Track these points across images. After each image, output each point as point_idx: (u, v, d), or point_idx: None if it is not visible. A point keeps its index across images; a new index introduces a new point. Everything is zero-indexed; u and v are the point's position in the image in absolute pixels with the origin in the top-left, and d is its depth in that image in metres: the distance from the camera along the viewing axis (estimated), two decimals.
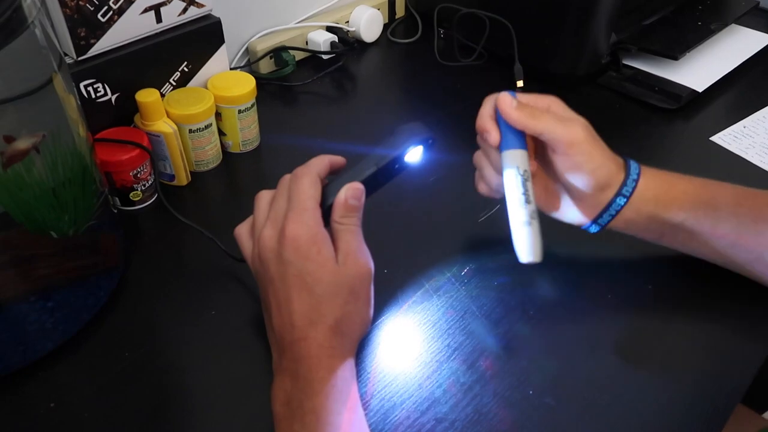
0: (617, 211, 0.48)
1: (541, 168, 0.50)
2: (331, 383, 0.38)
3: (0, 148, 0.39)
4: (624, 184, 0.47)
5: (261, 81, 0.75)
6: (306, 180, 0.43)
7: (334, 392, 0.38)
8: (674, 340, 0.49)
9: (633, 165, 0.48)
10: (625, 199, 0.47)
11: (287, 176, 0.46)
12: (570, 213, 0.50)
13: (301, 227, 0.41)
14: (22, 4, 0.36)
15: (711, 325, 0.50)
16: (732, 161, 0.66)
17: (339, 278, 0.41)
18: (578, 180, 0.47)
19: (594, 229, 0.50)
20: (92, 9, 0.53)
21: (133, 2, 0.55)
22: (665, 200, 0.48)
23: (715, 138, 0.69)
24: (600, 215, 0.48)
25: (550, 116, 0.46)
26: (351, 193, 0.43)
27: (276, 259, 0.41)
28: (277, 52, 0.78)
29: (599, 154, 0.46)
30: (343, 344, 0.41)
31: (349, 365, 0.40)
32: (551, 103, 0.48)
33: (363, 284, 0.43)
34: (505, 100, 0.46)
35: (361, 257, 0.43)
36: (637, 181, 0.47)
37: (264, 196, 0.46)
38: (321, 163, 0.46)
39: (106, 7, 0.53)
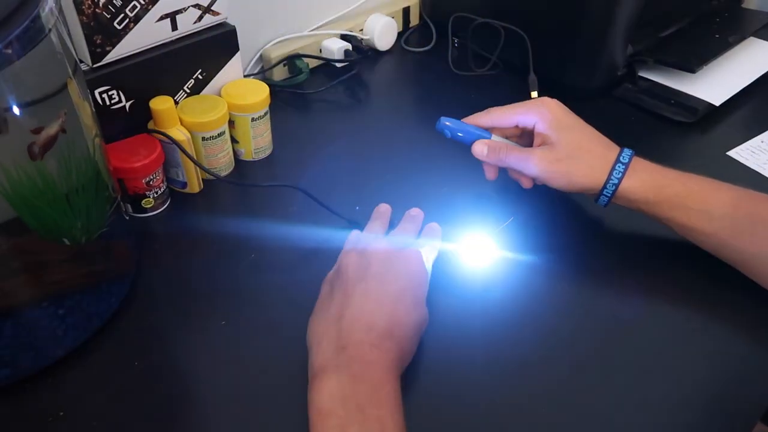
0: (605, 203, 0.53)
1: None
2: (397, 402, 0.39)
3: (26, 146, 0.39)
4: (604, 187, 0.52)
5: (275, 88, 0.75)
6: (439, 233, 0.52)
7: (397, 411, 0.38)
8: (692, 357, 0.48)
9: (618, 168, 0.52)
10: (607, 198, 0.53)
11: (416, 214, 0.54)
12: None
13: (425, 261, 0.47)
14: (41, 13, 0.36)
15: (729, 342, 0.49)
16: (749, 177, 0.65)
17: (423, 314, 0.45)
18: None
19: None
20: (109, 17, 0.53)
21: (149, 10, 0.55)
22: (652, 202, 0.51)
23: (731, 153, 0.68)
24: (596, 200, 0.54)
25: (512, 156, 0.55)
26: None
27: (389, 264, 0.45)
28: (291, 60, 0.78)
29: (566, 176, 0.53)
30: (400, 371, 0.41)
31: (401, 394, 0.40)
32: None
33: (423, 330, 0.45)
34: (476, 149, 0.57)
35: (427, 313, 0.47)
36: (617, 185, 0.52)
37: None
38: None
39: (122, 15, 0.54)
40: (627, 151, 0.53)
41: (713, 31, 0.83)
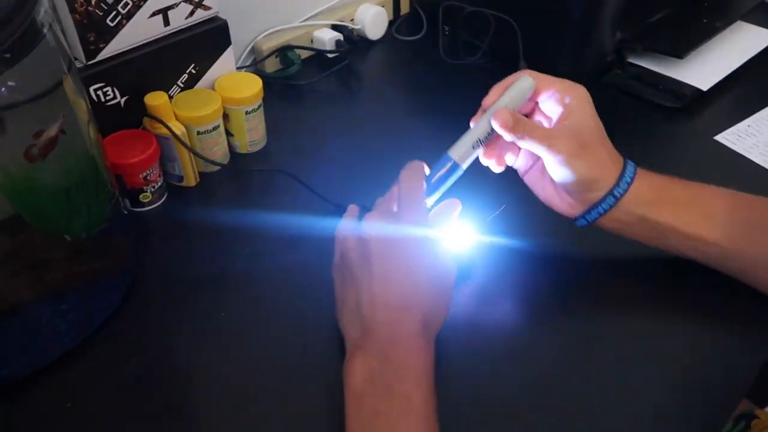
0: (606, 210, 0.49)
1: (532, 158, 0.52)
2: (423, 373, 0.40)
3: (26, 144, 0.39)
4: (617, 184, 0.48)
5: (267, 80, 0.76)
6: (420, 181, 0.48)
7: (424, 382, 0.40)
8: (677, 340, 0.50)
9: (629, 167, 0.49)
10: (614, 200, 0.48)
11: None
12: (559, 203, 0.51)
13: (418, 218, 0.45)
14: (36, 17, 0.37)
15: (712, 325, 0.51)
16: (735, 161, 0.67)
17: (437, 271, 0.44)
18: (566, 184, 0.49)
19: (581, 223, 0.51)
20: (101, 14, 0.53)
21: (141, 6, 0.55)
22: (657, 204, 0.49)
23: (719, 137, 0.70)
24: (588, 211, 0.49)
25: (539, 130, 0.47)
26: (454, 207, 0.49)
27: (383, 240, 0.44)
28: (283, 51, 0.79)
29: (586, 164, 0.47)
30: (429, 339, 0.42)
31: (432, 361, 0.41)
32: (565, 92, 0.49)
33: (452, 282, 0.45)
34: (503, 117, 0.47)
35: (452, 259, 0.45)
36: (630, 183, 0.48)
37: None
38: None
39: (114, 12, 0.54)
40: (629, 160, 0.50)
41: (701, 15, 0.84)
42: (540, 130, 0.48)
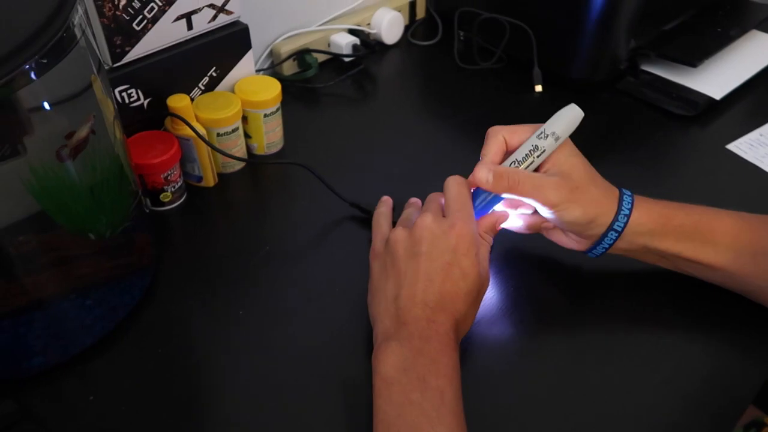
0: (610, 245, 0.49)
1: None
2: (454, 372, 0.42)
3: (56, 145, 0.41)
4: (616, 219, 0.48)
5: (284, 83, 0.77)
6: (468, 191, 0.49)
7: (456, 381, 0.41)
8: (680, 346, 0.50)
9: (626, 199, 0.49)
10: (616, 234, 0.48)
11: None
12: (566, 241, 0.52)
13: (469, 228, 0.46)
14: (72, 22, 0.38)
15: (719, 330, 0.51)
16: (747, 170, 0.67)
17: (476, 281, 0.45)
18: (564, 226, 0.50)
19: (590, 255, 0.52)
20: (128, 18, 0.55)
21: (166, 11, 0.57)
22: (660, 234, 0.49)
23: (730, 146, 0.70)
24: (594, 247, 0.50)
25: (526, 183, 0.47)
26: (502, 219, 0.50)
27: (434, 241, 0.45)
28: (301, 55, 0.80)
29: (581, 207, 0.47)
30: (457, 340, 0.44)
31: (459, 363, 0.43)
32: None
33: (483, 294, 0.47)
34: (480, 176, 0.48)
35: (488, 271, 0.47)
36: (628, 216, 0.48)
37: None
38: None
39: (140, 17, 0.55)
40: (625, 190, 0.50)
41: (715, 23, 0.84)
42: (527, 181, 0.47)
